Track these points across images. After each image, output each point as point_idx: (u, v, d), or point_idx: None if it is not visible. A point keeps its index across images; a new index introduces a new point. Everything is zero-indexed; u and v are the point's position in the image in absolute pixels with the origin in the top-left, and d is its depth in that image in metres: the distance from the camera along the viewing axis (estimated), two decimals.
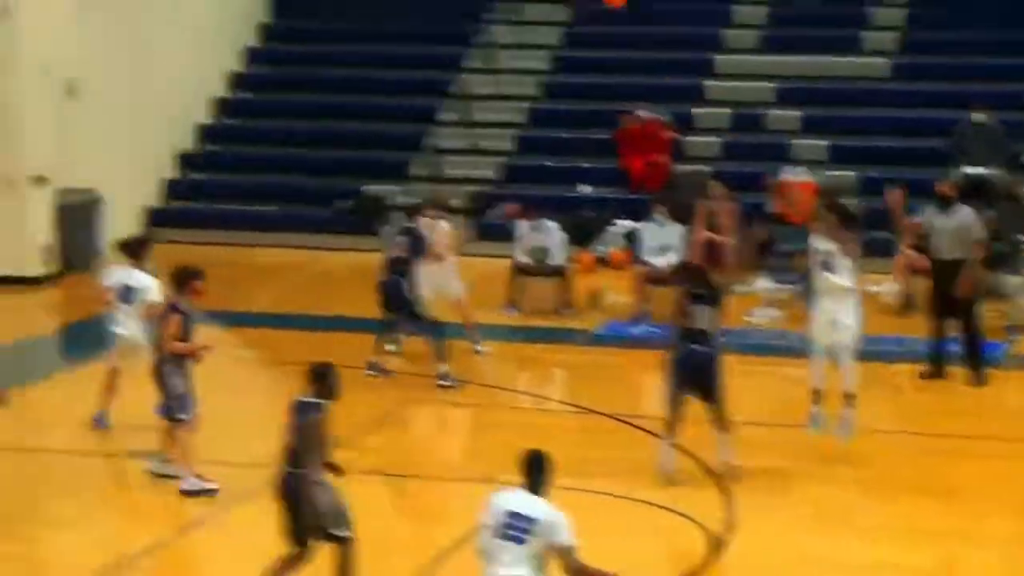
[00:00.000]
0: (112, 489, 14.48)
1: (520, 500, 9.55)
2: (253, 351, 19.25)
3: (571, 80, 25.65)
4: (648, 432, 15.63)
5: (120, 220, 22.87)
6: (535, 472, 9.70)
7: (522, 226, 20.34)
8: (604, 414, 16.19)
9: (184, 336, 13.61)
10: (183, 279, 13.68)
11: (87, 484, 14.46)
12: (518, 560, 9.34)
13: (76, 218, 21.97)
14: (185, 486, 13.66)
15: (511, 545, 9.37)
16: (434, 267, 17.56)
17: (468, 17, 26.48)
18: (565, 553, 9.48)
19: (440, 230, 17.93)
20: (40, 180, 21.46)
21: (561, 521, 9.49)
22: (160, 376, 13.79)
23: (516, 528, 9.40)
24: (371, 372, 16.91)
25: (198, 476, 13.72)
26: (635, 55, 25.63)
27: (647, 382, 18.35)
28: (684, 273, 14.57)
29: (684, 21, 25.91)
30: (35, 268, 21.48)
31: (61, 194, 21.87)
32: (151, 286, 14.98)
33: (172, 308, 13.72)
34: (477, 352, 17.96)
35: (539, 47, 26.20)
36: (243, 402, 17.06)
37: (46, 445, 15.37)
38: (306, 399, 11.07)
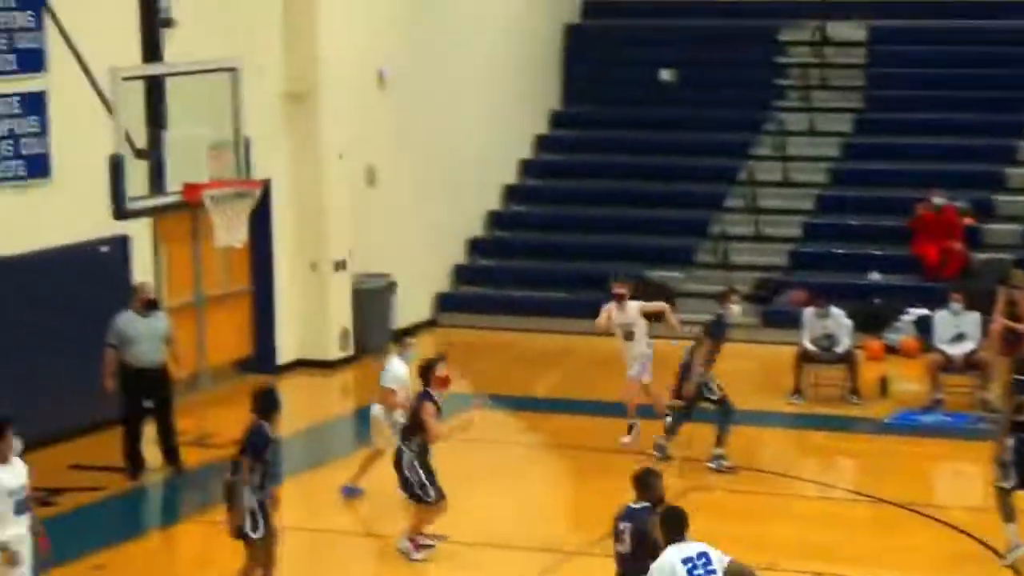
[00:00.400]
0: (390, 569, 14.66)
1: (684, 548, 10.36)
2: (537, 435, 19.38)
3: (860, 167, 25.36)
4: (940, 522, 15.29)
5: (412, 305, 23.39)
6: (684, 527, 10.52)
7: (808, 313, 20.12)
8: (894, 503, 15.85)
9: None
10: (425, 371, 14.58)
11: (368, 564, 14.74)
12: None
13: (371, 303, 22.45)
14: (401, 546, 14.45)
15: None
16: (632, 344, 17.93)
17: (758, 105, 26.44)
18: (733, 565, 10.46)
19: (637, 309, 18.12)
20: (340, 265, 22.04)
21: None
22: (400, 465, 14.47)
23: (704, 568, 10.28)
24: (656, 453, 16.95)
25: (416, 544, 14.41)
26: (930, 141, 25.24)
27: (938, 471, 18.02)
28: (1017, 364, 14.32)
29: (986, 108, 25.39)
30: (333, 352, 22.02)
31: (357, 279, 22.42)
32: (389, 373, 15.84)
33: (424, 396, 14.45)
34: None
35: (830, 134, 26.00)
36: (526, 486, 17.19)
37: (331, 525, 15.67)
38: (635, 505, 11.29)
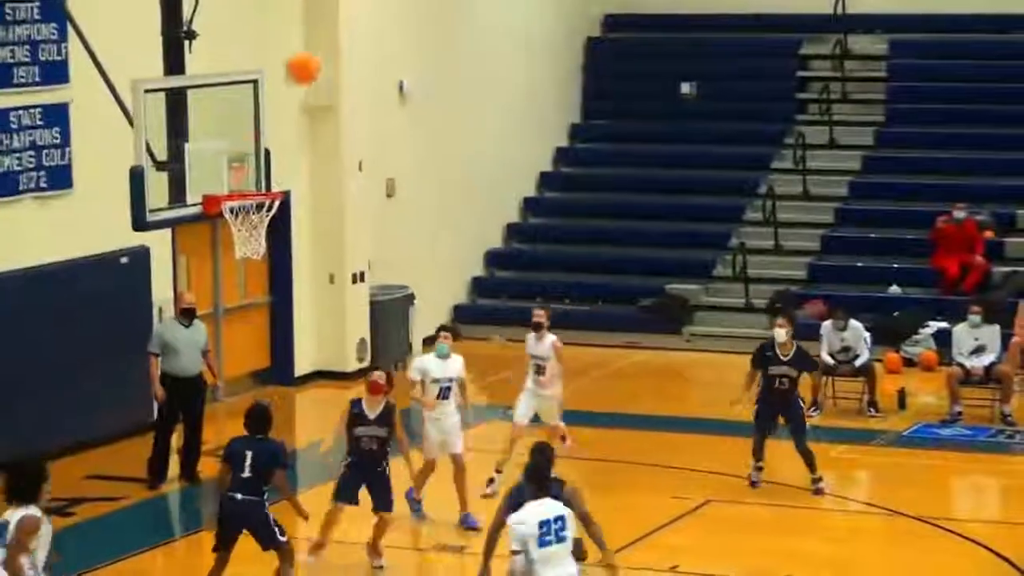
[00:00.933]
0: None
1: (544, 507, 10.67)
2: (558, 447, 19.37)
3: (881, 180, 25.37)
4: (959, 535, 15.28)
5: (430, 316, 23.42)
6: (548, 476, 10.98)
7: (827, 326, 20.12)
8: (911, 516, 15.84)
9: (350, 429, 14.26)
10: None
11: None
12: (568, 557, 10.60)
13: (389, 314, 22.49)
14: None
15: (561, 546, 10.55)
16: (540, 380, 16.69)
17: (779, 118, 26.45)
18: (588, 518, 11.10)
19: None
20: (359, 277, 22.08)
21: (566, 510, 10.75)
22: None
23: (557, 534, 10.57)
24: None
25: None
26: (951, 155, 25.24)
27: (957, 485, 18.00)
28: None
29: (1007, 122, 25.35)
30: (351, 364, 22.00)
31: (375, 290, 22.46)
32: (415, 363, 15.87)
33: (352, 401, 14.39)
34: None
35: (851, 147, 25.99)
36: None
37: (347, 537, 15.67)
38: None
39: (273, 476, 13.08)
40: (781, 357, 16.49)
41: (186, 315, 17.19)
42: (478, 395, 21.52)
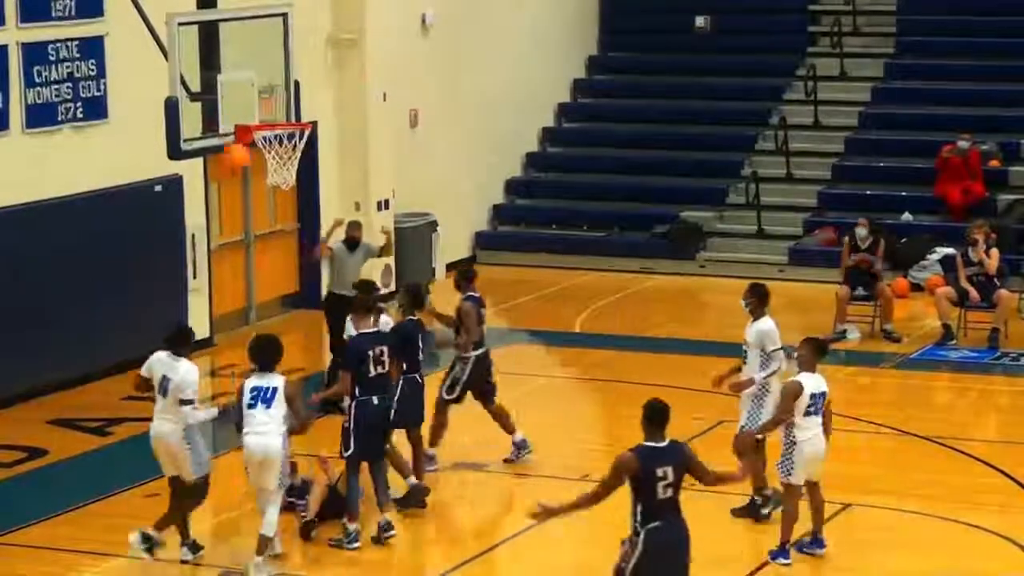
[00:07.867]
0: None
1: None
2: (573, 368, 19.96)
3: (890, 111, 25.82)
4: (963, 454, 15.77)
5: (452, 243, 24.03)
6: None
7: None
8: (918, 435, 16.34)
9: None
10: None
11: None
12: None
13: (413, 240, 22.99)
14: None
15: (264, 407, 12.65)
16: None
17: (791, 50, 26.87)
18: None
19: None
20: (383, 204, 22.57)
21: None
22: None
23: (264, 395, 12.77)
24: None
25: None
26: (959, 86, 25.68)
27: (961, 405, 18.50)
28: None
29: (1014, 54, 25.73)
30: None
31: (399, 217, 22.97)
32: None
33: None
34: None
35: (861, 79, 26.41)
36: (562, 416, 17.72)
37: None
38: None
39: None
40: None
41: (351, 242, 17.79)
42: (497, 319, 22.20)
